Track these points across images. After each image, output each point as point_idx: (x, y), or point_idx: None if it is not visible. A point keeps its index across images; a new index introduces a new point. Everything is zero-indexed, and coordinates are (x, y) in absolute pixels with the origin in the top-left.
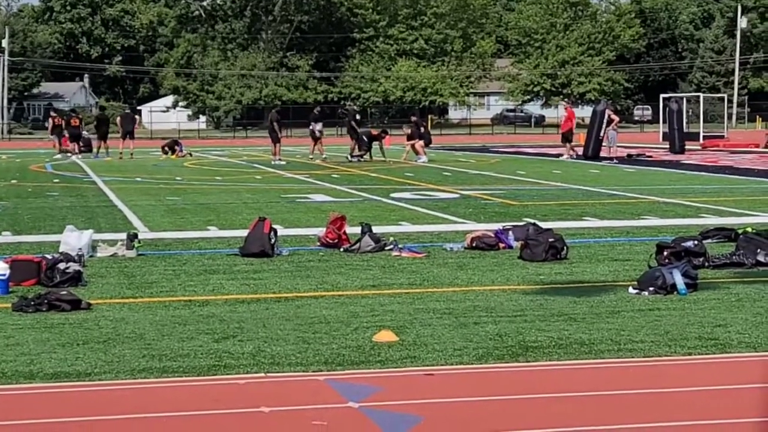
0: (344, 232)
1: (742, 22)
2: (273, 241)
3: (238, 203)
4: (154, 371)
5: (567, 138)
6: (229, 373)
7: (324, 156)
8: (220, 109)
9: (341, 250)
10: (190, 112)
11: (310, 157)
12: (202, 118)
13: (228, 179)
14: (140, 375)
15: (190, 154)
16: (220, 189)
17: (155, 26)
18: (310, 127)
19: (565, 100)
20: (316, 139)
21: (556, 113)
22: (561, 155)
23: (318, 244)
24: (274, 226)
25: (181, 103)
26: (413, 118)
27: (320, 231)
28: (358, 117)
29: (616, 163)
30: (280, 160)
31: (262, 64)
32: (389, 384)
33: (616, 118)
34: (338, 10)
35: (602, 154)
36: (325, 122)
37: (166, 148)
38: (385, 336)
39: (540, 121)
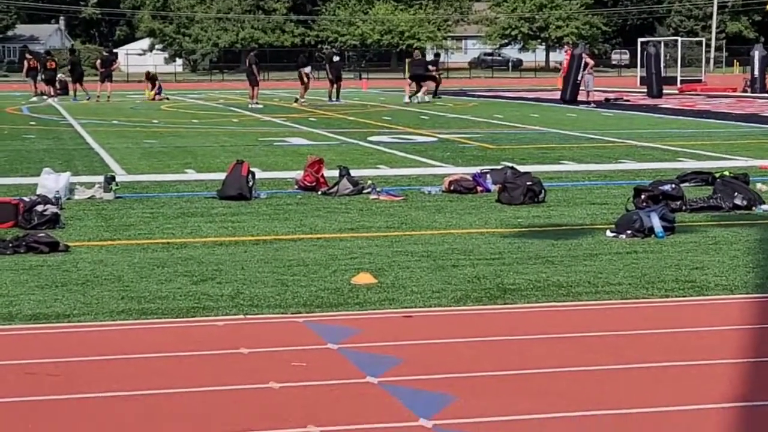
0: (322, 176)
1: None
2: (251, 184)
3: (216, 146)
4: (132, 313)
5: None
6: (208, 315)
7: (302, 99)
8: (197, 52)
9: (319, 193)
10: (166, 55)
11: (302, 101)
12: (179, 62)
13: (205, 122)
14: (119, 317)
15: (167, 98)
16: (197, 132)
17: None
18: (299, 71)
19: (569, 43)
20: (304, 83)
21: (533, 57)
22: None
23: (296, 187)
24: (252, 169)
25: (157, 46)
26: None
27: (298, 174)
28: (335, 59)
29: (593, 107)
30: (257, 103)
31: (238, 7)
32: (368, 326)
33: (592, 62)
34: None
35: (580, 98)
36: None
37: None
38: (364, 278)
39: (517, 65)
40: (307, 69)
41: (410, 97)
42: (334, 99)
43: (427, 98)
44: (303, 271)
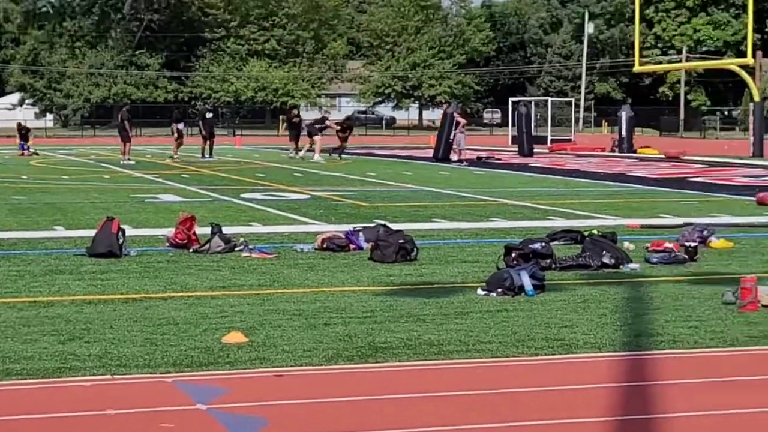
0: (194, 233)
1: (589, 28)
2: (121, 241)
3: (86, 203)
4: None
5: None
6: (75, 375)
7: (175, 156)
8: (68, 107)
9: (191, 250)
10: (37, 110)
11: (175, 157)
12: (50, 116)
13: (75, 178)
14: None
15: (37, 153)
16: (67, 188)
17: (1, 22)
18: (172, 127)
19: (448, 103)
20: (177, 139)
21: (407, 115)
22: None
23: (167, 244)
24: (123, 226)
25: (27, 101)
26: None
27: (169, 231)
28: (208, 116)
29: (465, 165)
30: (129, 159)
31: (111, 63)
32: (238, 385)
33: (463, 121)
34: (189, 9)
35: (451, 156)
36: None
37: (22, 131)
38: (235, 337)
39: (391, 123)
40: (180, 125)
41: (297, 152)
42: (207, 155)
43: (319, 157)
44: (173, 330)
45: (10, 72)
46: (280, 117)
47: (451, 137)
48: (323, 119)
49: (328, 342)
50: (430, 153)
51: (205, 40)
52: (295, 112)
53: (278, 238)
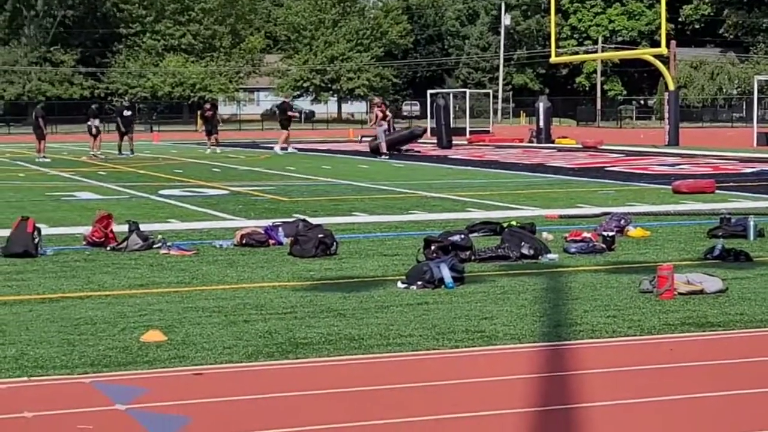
0: (111, 231)
1: (506, 20)
2: (37, 240)
3: (0, 202)
4: None
5: None
6: None
7: (95, 153)
8: None
9: (108, 248)
10: None
11: (92, 154)
12: None
13: None
14: None
15: None
16: None
17: None
18: (88, 123)
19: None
20: (94, 136)
21: (326, 109)
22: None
23: (84, 243)
24: (38, 225)
25: None
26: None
27: (86, 230)
28: (125, 113)
29: (386, 158)
30: (44, 157)
31: (24, 59)
32: (157, 385)
33: (380, 114)
34: (103, 4)
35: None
36: (101, 118)
37: None
38: (153, 336)
39: (310, 117)
40: (97, 121)
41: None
42: (125, 152)
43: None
44: (91, 330)
45: None
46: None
47: (374, 128)
48: (287, 107)
49: (248, 339)
50: (350, 147)
51: (120, 36)
52: (208, 106)
53: (197, 235)
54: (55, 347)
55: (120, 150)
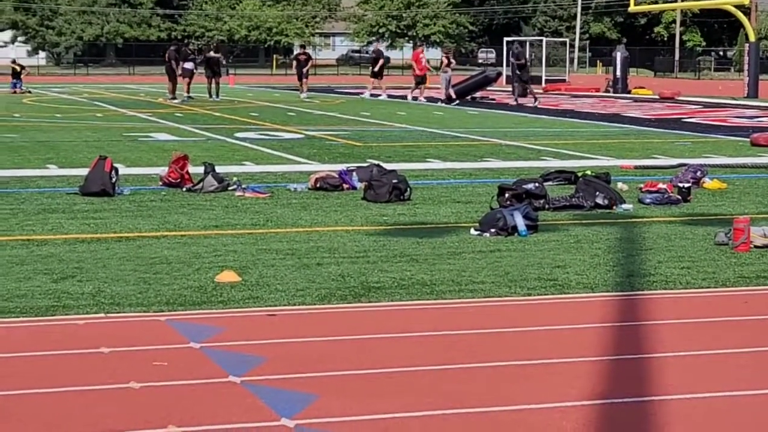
0: (187, 172)
1: None
2: (114, 180)
3: (79, 141)
4: None
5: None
6: (68, 313)
7: (172, 97)
8: (61, 45)
9: (184, 189)
10: (29, 48)
11: (187, 96)
12: (42, 54)
13: (68, 117)
14: None
15: (30, 91)
16: (60, 127)
17: None
18: (180, 66)
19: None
20: (190, 77)
21: (401, 54)
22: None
23: (160, 183)
24: (116, 165)
25: (19, 39)
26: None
27: (162, 171)
28: (212, 55)
29: (456, 104)
30: (174, 98)
31: (103, 0)
32: (231, 324)
33: (445, 61)
34: None
35: (441, 96)
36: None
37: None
38: (228, 276)
39: (385, 63)
40: (188, 64)
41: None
42: (214, 96)
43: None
44: (166, 269)
45: (1, 9)
46: (274, 57)
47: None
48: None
49: (320, 281)
50: (425, 93)
51: None
52: (300, 50)
53: (271, 178)
54: (131, 285)
55: (210, 93)
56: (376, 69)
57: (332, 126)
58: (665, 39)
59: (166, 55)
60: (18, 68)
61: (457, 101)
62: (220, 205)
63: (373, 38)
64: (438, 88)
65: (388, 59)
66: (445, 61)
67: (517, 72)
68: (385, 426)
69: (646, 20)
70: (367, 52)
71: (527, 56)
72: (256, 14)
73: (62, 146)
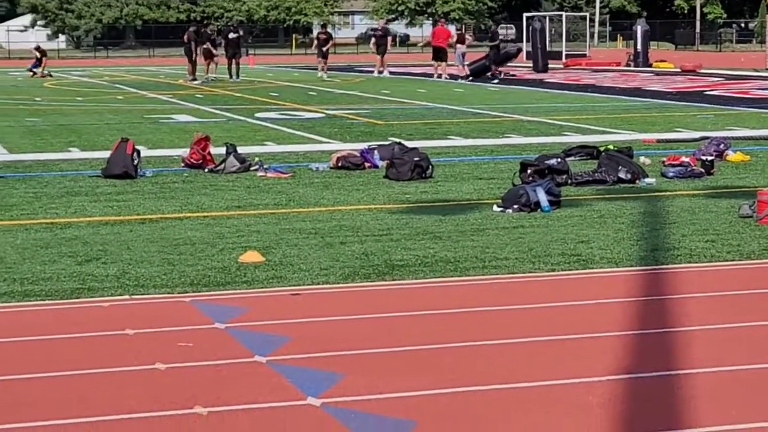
0: (209, 153)
1: None
2: (136, 162)
3: (100, 124)
4: (15, 295)
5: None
6: (93, 296)
7: (192, 78)
8: (80, 29)
9: (206, 170)
10: (49, 32)
11: (212, 77)
12: (62, 38)
13: (89, 100)
14: (2, 299)
15: (51, 75)
16: (81, 110)
17: None
18: (205, 46)
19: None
20: (211, 57)
21: (420, 32)
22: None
23: (182, 165)
24: (137, 147)
25: (39, 22)
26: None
27: (184, 152)
28: (231, 36)
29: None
30: (194, 79)
31: None
32: (255, 304)
33: (458, 38)
34: None
35: (457, 72)
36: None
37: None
38: (251, 256)
39: (405, 40)
40: (209, 45)
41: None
42: (234, 76)
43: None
44: (189, 250)
45: None
46: (294, 36)
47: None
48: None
49: (344, 260)
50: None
51: None
52: (321, 30)
53: (293, 158)
54: (155, 266)
55: (230, 74)
56: (389, 46)
57: (353, 105)
58: (686, 12)
59: (186, 36)
60: (39, 54)
61: (471, 77)
62: (243, 185)
63: (392, 16)
64: (456, 65)
65: (395, 36)
66: (459, 37)
67: (491, 54)
68: (411, 404)
69: None
70: (373, 30)
71: (501, 38)
72: None
73: (84, 129)
